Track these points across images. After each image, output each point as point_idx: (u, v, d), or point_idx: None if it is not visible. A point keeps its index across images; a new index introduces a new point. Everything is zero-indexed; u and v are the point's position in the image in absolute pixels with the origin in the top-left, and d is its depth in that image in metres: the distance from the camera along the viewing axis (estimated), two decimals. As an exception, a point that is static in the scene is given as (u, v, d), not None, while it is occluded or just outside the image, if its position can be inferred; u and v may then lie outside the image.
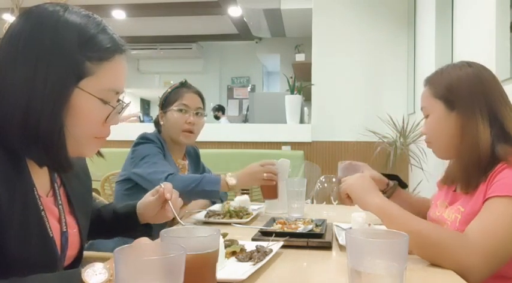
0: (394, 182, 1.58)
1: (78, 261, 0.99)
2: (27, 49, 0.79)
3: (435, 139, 1.30)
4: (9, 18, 4.60)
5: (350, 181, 1.31)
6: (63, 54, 0.79)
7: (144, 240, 0.87)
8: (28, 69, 0.78)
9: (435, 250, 1.03)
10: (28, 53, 0.79)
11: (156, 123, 1.98)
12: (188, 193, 1.60)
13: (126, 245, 0.61)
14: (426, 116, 1.31)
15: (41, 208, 0.85)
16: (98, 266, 0.75)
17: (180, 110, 1.85)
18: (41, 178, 0.89)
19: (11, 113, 0.78)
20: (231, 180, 1.64)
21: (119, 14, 6.97)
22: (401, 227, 1.00)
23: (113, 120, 0.88)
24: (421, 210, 1.43)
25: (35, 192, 0.84)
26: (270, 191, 1.70)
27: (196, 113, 1.89)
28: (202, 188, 1.62)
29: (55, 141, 0.80)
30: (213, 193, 1.66)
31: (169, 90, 1.92)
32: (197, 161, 2.07)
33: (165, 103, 1.90)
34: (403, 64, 3.99)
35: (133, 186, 1.78)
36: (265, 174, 1.65)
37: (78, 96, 0.81)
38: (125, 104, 0.90)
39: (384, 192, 1.55)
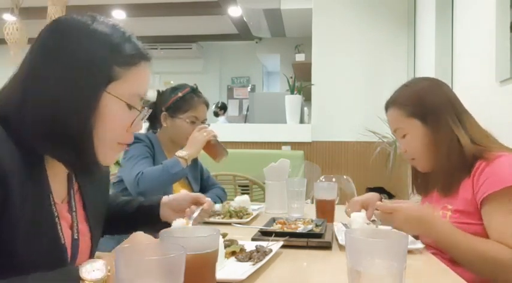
0: (384, 195, 1.60)
1: None
2: (58, 56, 0.82)
3: (419, 155, 1.34)
4: (9, 18, 4.59)
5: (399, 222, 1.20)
6: (93, 60, 0.82)
7: (140, 235, 0.88)
8: (59, 76, 0.80)
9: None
10: (59, 60, 0.81)
11: (153, 120, 1.98)
12: (163, 184, 1.71)
13: (126, 245, 0.61)
14: (403, 136, 1.35)
15: (55, 214, 0.86)
16: (96, 262, 0.75)
17: (192, 122, 1.90)
18: (58, 184, 0.90)
19: (41, 117, 0.80)
20: (182, 153, 1.77)
21: (119, 14, 6.96)
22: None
23: (138, 125, 0.91)
24: None
25: (51, 198, 0.85)
26: (216, 150, 1.84)
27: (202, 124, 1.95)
28: (170, 173, 1.70)
29: (85, 144, 0.82)
30: (181, 172, 1.74)
31: (180, 94, 1.92)
32: (195, 159, 2.07)
33: (174, 107, 1.91)
34: (403, 64, 3.99)
35: (127, 188, 1.78)
36: (204, 134, 1.81)
37: (106, 100, 0.83)
38: (146, 110, 0.93)
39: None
